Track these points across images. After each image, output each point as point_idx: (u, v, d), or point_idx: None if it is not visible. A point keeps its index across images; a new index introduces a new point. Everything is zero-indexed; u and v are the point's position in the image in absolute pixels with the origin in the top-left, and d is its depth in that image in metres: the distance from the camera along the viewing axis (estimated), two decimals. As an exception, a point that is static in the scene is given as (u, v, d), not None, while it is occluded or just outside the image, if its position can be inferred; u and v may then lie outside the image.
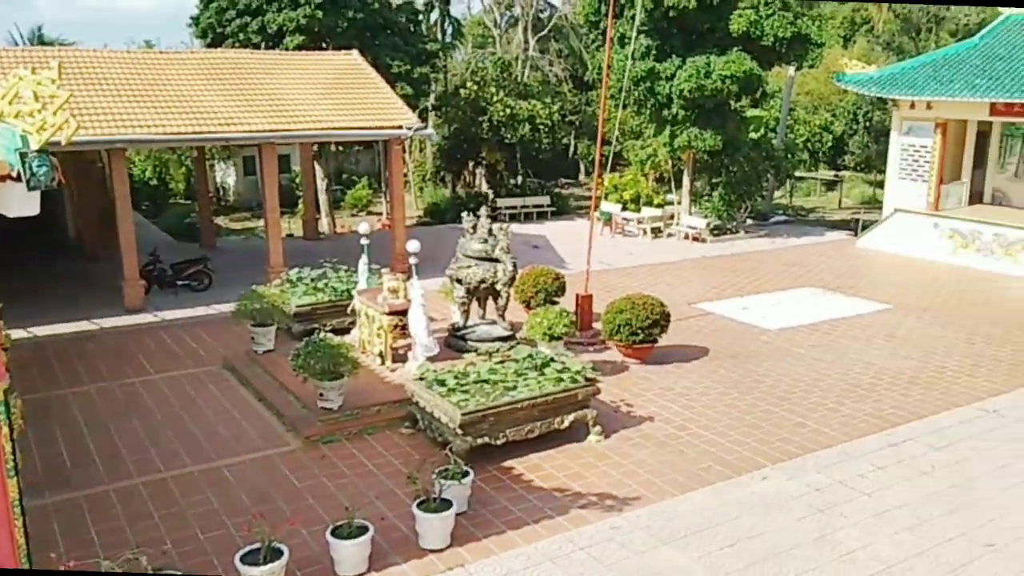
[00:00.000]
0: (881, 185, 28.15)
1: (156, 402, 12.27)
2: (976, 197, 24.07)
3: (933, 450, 10.55)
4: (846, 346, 15.04)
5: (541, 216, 29.95)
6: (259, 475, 9.83)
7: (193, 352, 14.69)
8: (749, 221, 27.72)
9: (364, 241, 14.31)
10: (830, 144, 35.82)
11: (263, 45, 24.51)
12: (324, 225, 27.59)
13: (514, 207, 29.85)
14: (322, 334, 11.91)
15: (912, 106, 23.37)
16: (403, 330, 12.70)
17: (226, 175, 36.14)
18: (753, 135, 26.66)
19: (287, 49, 23.95)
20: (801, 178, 36.89)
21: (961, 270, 21.22)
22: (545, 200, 30.77)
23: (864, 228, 25.43)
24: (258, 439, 10.90)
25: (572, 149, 40.51)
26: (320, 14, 24.36)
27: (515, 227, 22.47)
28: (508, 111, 31.23)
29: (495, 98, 31.69)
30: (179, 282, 18.64)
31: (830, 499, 9.19)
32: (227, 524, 8.59)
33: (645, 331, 13.41)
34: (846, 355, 14.47)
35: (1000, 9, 24.62)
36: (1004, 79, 21.07)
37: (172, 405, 12.16)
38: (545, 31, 42.25)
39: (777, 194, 32.79)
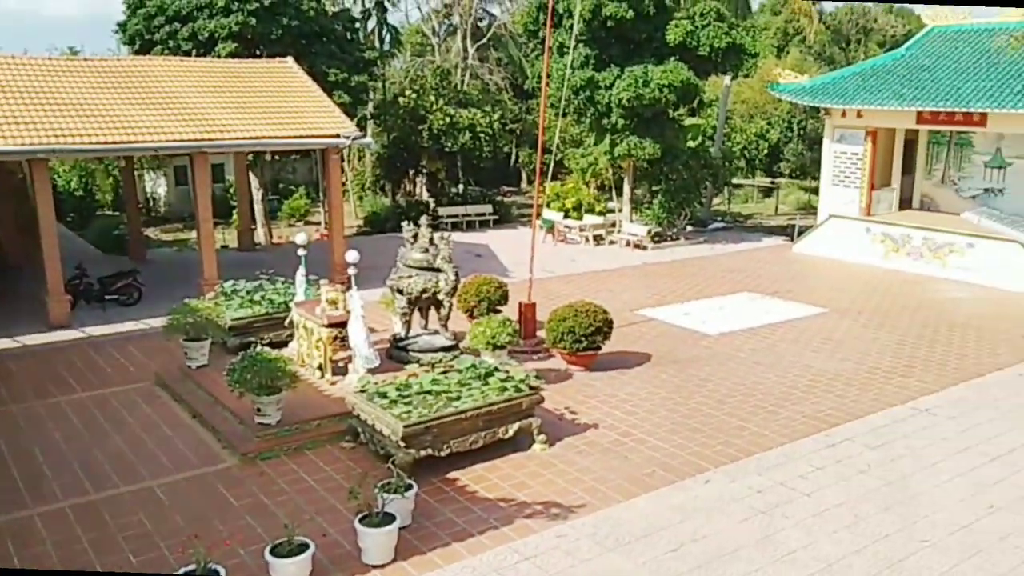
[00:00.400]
0: (816, 191, 28.84)
1: (84, 422, 11.79)
2: (906, 203, 24.82)
3: (869, 449, 10.75)
4: (784, 350, 15.29)
5: (483, 225, 29.88)
6: (194, 495, 9.50)
7: (123, 369, 14.19)
8: (689, 228, 28.10)
9: (301, 252, 14.02)
10: (766, 152, 36.59)
11: (194, 53, 23.91)
12: (260, 236, 27.05)
13: (455, 216, 29.72)
14: (259, 348, 11.60)
15: (843, 114, 24.01)
16: (343, 342, 12.46)
17: (156, 185, 35.15)
18: (691, 143, 27.06)
19: (219, 57, 23.42)
20: (738, 185, 37.61)
21: (893, 273, 21.82)
22: (487, 208, 30.72)
23: (800, 234, 26.00)
24: (192, 457, 10.54)
25: (514, 157, 40.57)
26: (253, 21, 23.88)
27: (457, 236, 22.38)
28: (448, 119, 31.12)
29: (435, 106, 31.55)
30: (107, 296, 18.01)
31: (771, 500, 9.28)
32: (161, 547, 8.26)
33: (588, 338, 13.43)
34: (784, 358, 14.70)
35: (924, 21, 25.48)
36: (929, 88, 21.78)
37: (101, 424, 11.69)
38: (484, 40, 42.27)
39: (715, 201, 33.33)
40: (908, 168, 24.84)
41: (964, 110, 20.62)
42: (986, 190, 22.98)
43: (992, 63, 21.47)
